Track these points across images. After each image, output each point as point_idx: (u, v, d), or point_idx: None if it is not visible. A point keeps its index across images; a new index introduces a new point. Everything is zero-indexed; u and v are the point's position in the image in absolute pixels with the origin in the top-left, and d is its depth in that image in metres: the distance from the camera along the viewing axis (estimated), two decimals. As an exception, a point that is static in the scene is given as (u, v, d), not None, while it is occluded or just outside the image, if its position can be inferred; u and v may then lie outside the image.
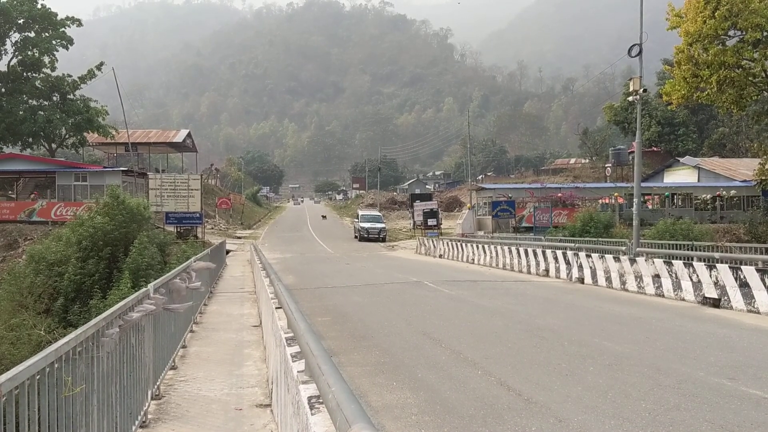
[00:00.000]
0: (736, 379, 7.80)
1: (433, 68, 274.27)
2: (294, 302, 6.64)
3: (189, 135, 63.35)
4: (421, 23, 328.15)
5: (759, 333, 11.32)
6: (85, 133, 49.46)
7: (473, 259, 30.53)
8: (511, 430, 6.07)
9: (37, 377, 3.48)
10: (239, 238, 49.09)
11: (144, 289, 7.29)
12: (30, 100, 48.38)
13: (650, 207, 46.80)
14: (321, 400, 3.42)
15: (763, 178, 34.57)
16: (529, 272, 24.33)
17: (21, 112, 46.03)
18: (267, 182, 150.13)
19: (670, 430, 5.98)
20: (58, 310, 20.12)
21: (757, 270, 13.87)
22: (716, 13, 29.57)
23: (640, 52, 23.75)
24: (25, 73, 47.73)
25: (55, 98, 48.68)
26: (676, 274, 16.20)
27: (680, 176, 55.39)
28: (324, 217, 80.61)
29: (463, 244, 33.38)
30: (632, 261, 18.43)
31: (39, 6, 47.20)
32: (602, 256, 20.18)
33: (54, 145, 50.50)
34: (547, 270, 23.15)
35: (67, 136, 49.89)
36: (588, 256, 20.94)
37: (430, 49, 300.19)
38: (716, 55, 30.29)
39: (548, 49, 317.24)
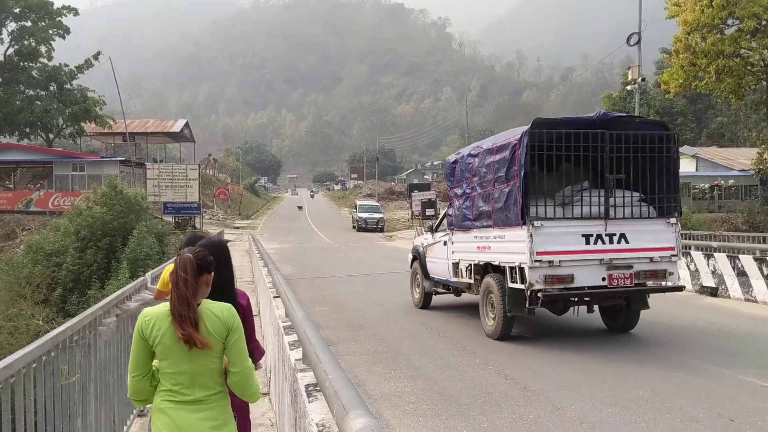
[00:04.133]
0: (734, 367, 7.82)
1: (431, 57, 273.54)
2: (292, 291, 6.64)
3: (187, 125, 63.14)
4: (419, 12, 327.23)
5: (756, 321, 11.34)
6: (82, 123, 49.28)
7: (471, 249, 30.45)
8: (509, 418, 6.08)
9: (33, 365, 3.47)
10: (237, 228, 49.07)
11: (141, 278, 7.29)
12: (27, 90, 48.18)
13: (648, 196, 46.78)
14: (318, 388, 3.42)
15: (761, 167, 34.54)
16: (527, 262, 24.28)
17: (18, 102, 45.82)
18: (265, 172, 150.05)
19: (667, 417, 6.00)
20: (57, 301, 20.08)
21: (755, 259, 13.89)
22: (714, 2, 29.48)
23: (638, 41, 23.75)
24: (21, 63, 47.49)
25: (52, 88, 48.48)
26: (673, 263, 16.20)
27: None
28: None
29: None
30: (630, 250, 18.41)
31: (35, -5, 46.98)
32: (600, 246, 20.14)
33: (51, 135, 50.32)
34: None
35: (64, 126, 49.70)
36: (586, 245, 20.90)
37: (428, 38, 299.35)
38: (714, 44, 30.22)
39: (547, 38, 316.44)
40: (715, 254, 15.20)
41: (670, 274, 9.37)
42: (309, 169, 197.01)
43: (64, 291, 20.42)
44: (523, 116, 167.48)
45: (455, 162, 11.96)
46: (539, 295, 8.72)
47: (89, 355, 4.62)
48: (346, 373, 3.09)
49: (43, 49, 47.66)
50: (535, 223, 8.83)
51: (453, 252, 11.46)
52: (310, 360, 3.74)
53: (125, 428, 5.73)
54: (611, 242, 9.11)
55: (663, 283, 9.45)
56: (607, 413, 6.16)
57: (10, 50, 47.52)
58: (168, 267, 4.26)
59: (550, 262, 8.79)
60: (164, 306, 2.94)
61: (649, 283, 9.38)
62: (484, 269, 10.31)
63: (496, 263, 9.82)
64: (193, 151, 72.01)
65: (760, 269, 13.43)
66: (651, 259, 9.30)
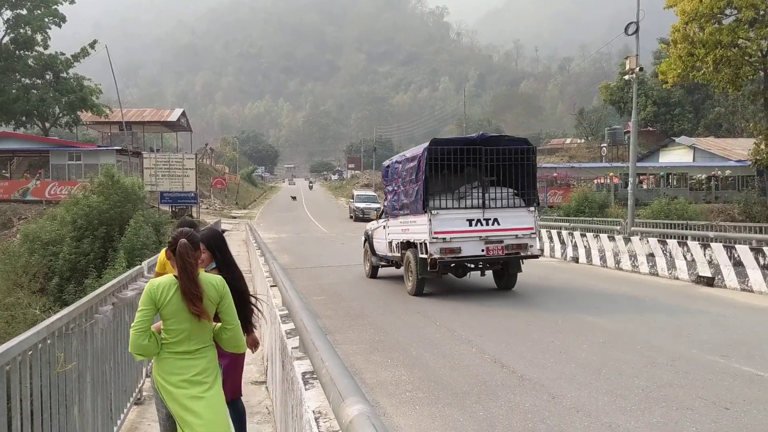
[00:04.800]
0: (729, 357, 7.85)
1: (429, 47, 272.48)
2: (289, 281, 6.64)
3: (183, 114, 63.04)
4: (416, 1, 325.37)
5: (752, 311, 11.38)
6: (78, 112, 49.14)
7: (468, 239, 30.50)
8: (505, 406, 6.09)
9: (30, 353, 3.47)
10: (234, 218, 49.04)
11: (138, 267, 7.28)
12: (23, 79, 48.03)
13: (645, 187, 46.90)
14: (315, 376, 3.43)
15: (758, 158, 34.64)
16: (524, 251, 24.34)
17: (14, 91, 45.71)
18: (262, 162, 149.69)
19: (663, 406, 6.02)
20: (54, 290, 20.07)
21: (751, 249, 13.92)
22: (713, -8, 29.48)
23: (636, 30, 23.65)
24: (17, 51, 47.31)
25: (48, 77, 48.33)
26: (670, 253, 16.26)
27: (676, 156, 55.42)
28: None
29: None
30: (627, 240, 18.48)
31: (30, -17, 46.70)
32: (597, 236, 20.22)
33: (47, 124, 50.20)
34: (541, 249, 23.20)
35: (60, 115, 49.58)
36: (583, 235, 20.98)
37: (425, 27, 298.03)
38: (712, 33, 30.20)
39: (545, 28, 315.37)
40: (712, 244, 15.24)
41: (531, 246, 13.03)
42: (306, 159, 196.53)
43: (61, 280, 20.41)
44: (521, 106, 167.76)
45: (388, 167, 16.05)
46: (440, 262, 12.42)
47: (86, 342, 4.62)
48: (342, 362, 3.09)
49: (39, 37, 47.45)
50: (433, 211, 12.44)
51: (388, 234, 15.16)
52: (307, 348, 3.75)
53: (122, 416, 5.74)
54: (487, 224, 12.76)
55: (525, 252, 13.00)
56: (603, 402, 6.18)
57: (6, 38, 47.30)
58: (162, 251, 4.96)
59: (443, 238, 12.46)
60: (169, 277, 3.87)
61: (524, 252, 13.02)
62: (406, 245, 13.81)
63: (412, 240, 13.42)
64: (190, 140, 71.89)
65: (756, 259, 13.47)
66: (516, 236, 12.87)
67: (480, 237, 12.63)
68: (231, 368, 4.73)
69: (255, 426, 6.03)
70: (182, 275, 3.77)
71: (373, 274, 16.91)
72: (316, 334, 3.67)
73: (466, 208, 12.75)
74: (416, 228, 13.18)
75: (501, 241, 12.69)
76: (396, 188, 14.83)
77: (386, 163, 16.57)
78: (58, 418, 3.92)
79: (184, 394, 3.76)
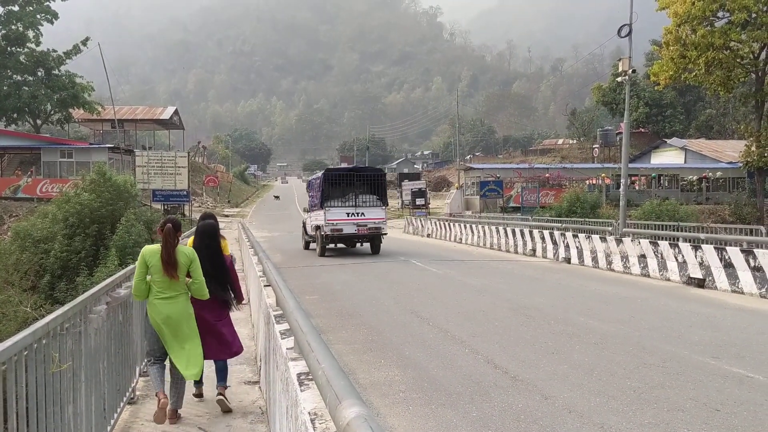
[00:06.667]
0: (720, 358, 7.89)
1: (422, 47, 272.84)
2: (282, 280, 6.63)
3: (176, 112, 62.81)
4: (410, 1, 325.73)
5: (743, 313, 11.44)
6: (70, 110, 48.89)
7: (461, 239, 30.61)
8: (498, 407, 6.12)
9: (25, 353, 3.46)
10: (227, 216, 48.93)
11: (131, 266, 7.26)
12: (14, 76, 47.67)
13: (637, 188, 47.11)
14: (310, 377, 3.42)
15: (749, 159, 34.80)
16: (516, 252, 24.42)
17: (5, 88, 45.41)
18: (255, 160, 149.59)
19: (654, 407, 6.05)
20: (45, 288, 19.99)
21: (742, 251, 14.00)
22: (705, -6, 29.59)
23: (629, 33, 23.73)
24: (9, 48, 46.98)
25: (39, 73, 48.02)
26: (661, 255, 16.32)
27: (667, 157, 55.64)
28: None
29: (451, 224, 33.45)
30: (618, 241, 18.54)
31: (22, -21, 46.38)
32: (589, 237, 20.27)
33: (39, 121, 49.91)
34: (533, 250, 23.25)
35: (52, 112, 49.31)
36: (575, 236, 21.03)
37: (419, 27, 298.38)
38: (704, 36, 30.34)
39: (538, 28, 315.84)
40: (703, 246, 15.31)
41: (382, 229, 22.05)
42: (299, 158, 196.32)
43: (53, 278, 20.32)
44: (514, 107, 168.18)
45: (310, 181, 26.21)
46: (330, 237, 21.51)
47: (80, 342, 4.61)
48: (338, 363, 3.10)
49: (30, 33, 47.13)
50: (327, 208, 21.31)
51: (310, 221, 23.97)
52: (302, 349, 3.75)
53: (115, 415, 5.73)
54: (358, 216, 21.60)
55: (380, 233, 22.10)
56: (595, 403, 6.21)
57: (-3, 35, 46.93)
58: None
59: (332, 223, 21.33)
60: (157, 246, 5.89)
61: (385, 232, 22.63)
62: (317, 228, 22.45)
63: (319, 225, 21.96)
64: (183, 138, 71.71)
65: (747, 261, 13.54)
66: (375, 222, 21.81)
67: (354, 223, 21.54)
68: (220, 326, 6.49)
69: (249, 426, 6.03)
70: (163, 248, 5.78)
71: (305, 246, 25.22)
72: (311, 335, 3.67)
73: (346, 206, 21.55)
74: (320, 218, 21.76)
75: (366, 225, 21.66)
76: (313, 194, 24.15)
77: (309, 179, 28.70)
78: (53, 418, 3.92)
79: (169, 333, 5.77)
